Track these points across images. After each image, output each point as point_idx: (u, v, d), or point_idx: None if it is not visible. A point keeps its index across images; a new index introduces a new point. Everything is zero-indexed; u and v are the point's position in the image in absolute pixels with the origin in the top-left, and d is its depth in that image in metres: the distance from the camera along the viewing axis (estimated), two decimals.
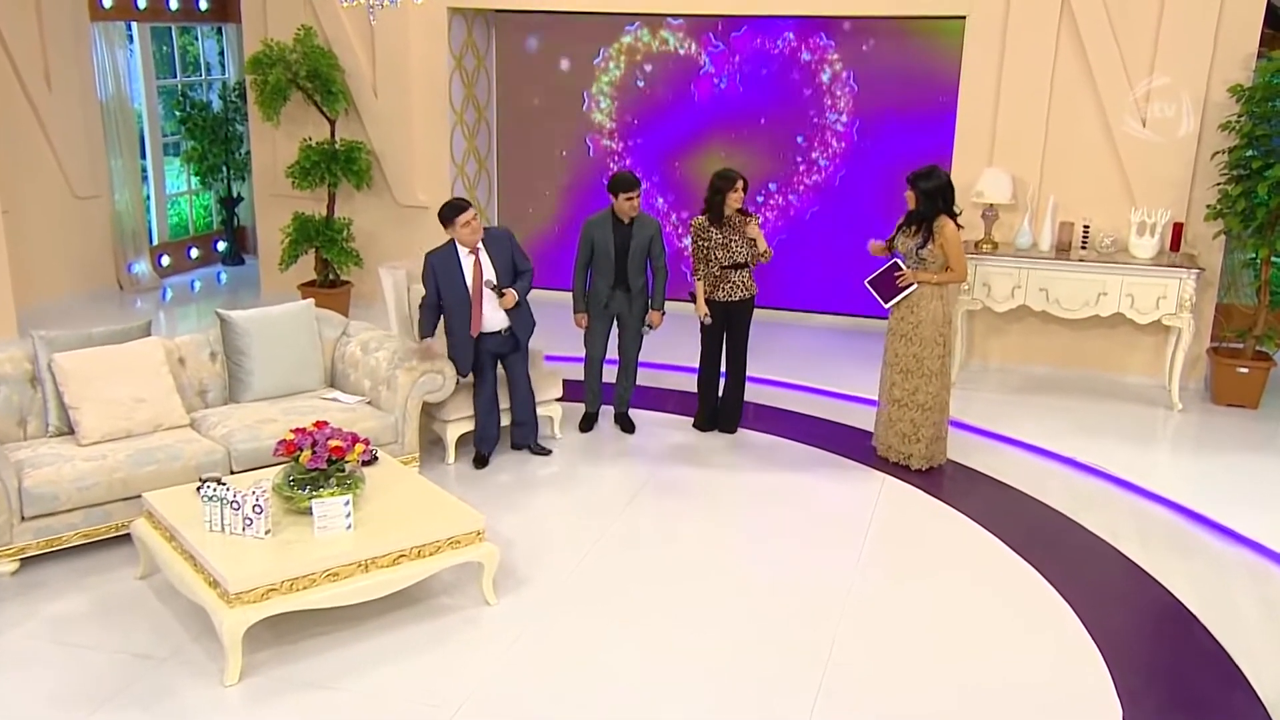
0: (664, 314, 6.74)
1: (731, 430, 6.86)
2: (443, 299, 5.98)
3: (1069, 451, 6.66)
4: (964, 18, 7.84)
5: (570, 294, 6.73)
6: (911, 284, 6.13)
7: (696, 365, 6.85)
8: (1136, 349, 7.94)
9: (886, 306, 6.26)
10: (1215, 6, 7.24)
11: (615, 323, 6.73)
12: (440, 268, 5.96)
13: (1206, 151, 7.43)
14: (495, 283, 5.99)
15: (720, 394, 6.85)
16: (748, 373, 6.85)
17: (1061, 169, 7.78)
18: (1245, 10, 7.25)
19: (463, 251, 5.95)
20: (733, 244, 6.48)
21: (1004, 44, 7.72)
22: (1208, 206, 7.33)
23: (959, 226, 6.13)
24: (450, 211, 5.93)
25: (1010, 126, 7.80)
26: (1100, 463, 6.50)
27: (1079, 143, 7.71)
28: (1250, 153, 7.03)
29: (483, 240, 5.98)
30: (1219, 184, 7.29)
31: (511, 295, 6.00)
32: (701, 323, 6.62)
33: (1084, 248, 7.64)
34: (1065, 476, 6.42)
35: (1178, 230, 7.50)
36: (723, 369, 6.80)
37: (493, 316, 6.05)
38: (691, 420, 6.96)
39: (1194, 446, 7.02)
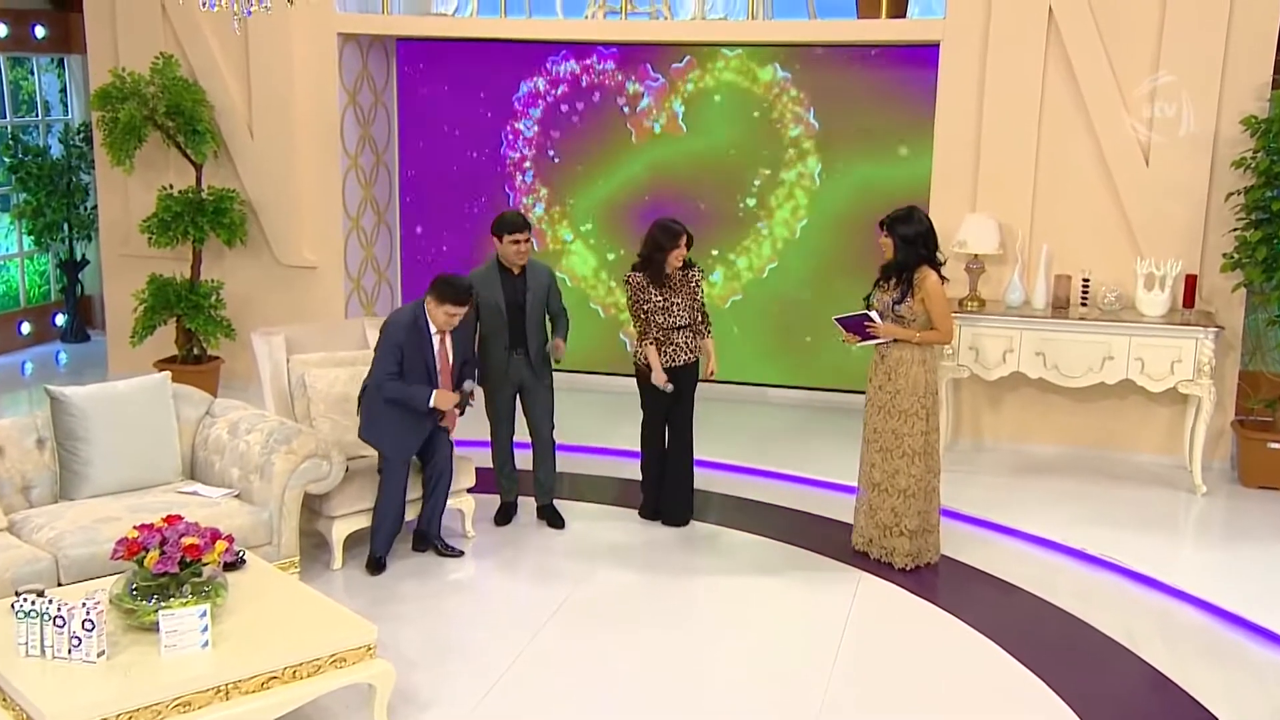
0: (565, 344, 6.70)
1: (679, 523, 6.80)
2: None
3: (1077, 543, 6.68)
4: (938, 44, 8.06)
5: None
6: (880, 339, 6.17)
7: (638, 446, 6.82)
8: (1151, 423, 8.04)
9: (854, 346, 6.28)
10: (1222, 28, 7.48)
11: (519, 394, 6.68)
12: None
13: (1220, 193, 7.64)
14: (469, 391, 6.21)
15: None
16: (697, 455, 6.83)
17: (1055, 214, 7.94)
18: (1257, 33, 7.50)
19: (433, 328, 6.05)
20: (674, 307, 6.53)
21: (984, 75, 7.93)
22: (1224, 256, 7.51)
23: (943, 279, 6.19)
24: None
25: (994, 167, 7.97)
26: (1115, 555, 6.52)
27: (1074, 184, 7.90)
28: (1269, 193, 7.23)
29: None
30: (1235, 229, 7.49)
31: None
32: (660, 390, 6.58)
33: (1084, 304, 7.77)
34: (1074, 572, 6.43)
35: (1191, 283, 7.66)
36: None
37: None
38: (636, 510, 6.93)
39: (1222, 535, 7.09)
